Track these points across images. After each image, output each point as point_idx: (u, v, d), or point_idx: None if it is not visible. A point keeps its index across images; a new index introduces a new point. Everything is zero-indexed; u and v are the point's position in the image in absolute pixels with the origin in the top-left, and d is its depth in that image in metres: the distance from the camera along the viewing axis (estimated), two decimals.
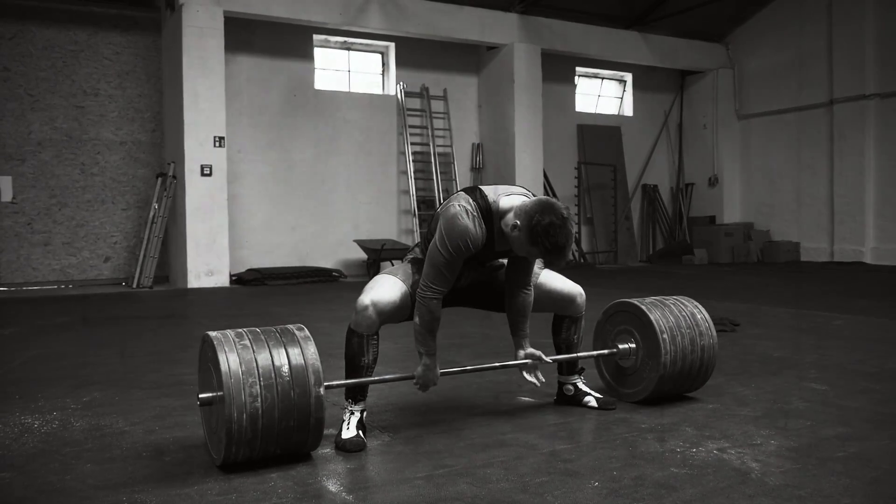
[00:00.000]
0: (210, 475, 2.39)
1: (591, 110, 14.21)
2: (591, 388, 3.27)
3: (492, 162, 12.45)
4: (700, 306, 3.34)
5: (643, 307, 3.20)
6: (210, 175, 9.46)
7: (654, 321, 3.14)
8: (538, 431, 2.85)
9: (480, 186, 2.80)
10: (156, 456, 2.60)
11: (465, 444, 2.69)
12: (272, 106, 10.94)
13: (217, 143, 9.52)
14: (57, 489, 2.30)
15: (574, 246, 12.89)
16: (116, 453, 2.64)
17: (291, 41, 11.00)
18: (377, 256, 10.43)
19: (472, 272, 2.96)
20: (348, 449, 2.63)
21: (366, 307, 2.76)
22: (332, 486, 2.32)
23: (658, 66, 13.86)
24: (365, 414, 2.82)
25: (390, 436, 2.82)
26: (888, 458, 2.50)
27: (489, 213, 2.70)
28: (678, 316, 3.21)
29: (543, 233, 2.50)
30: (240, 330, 2.53)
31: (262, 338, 2.48)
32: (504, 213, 2.68)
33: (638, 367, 3.22)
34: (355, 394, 2.81)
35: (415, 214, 11.70)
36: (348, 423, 2.74)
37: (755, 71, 13.95)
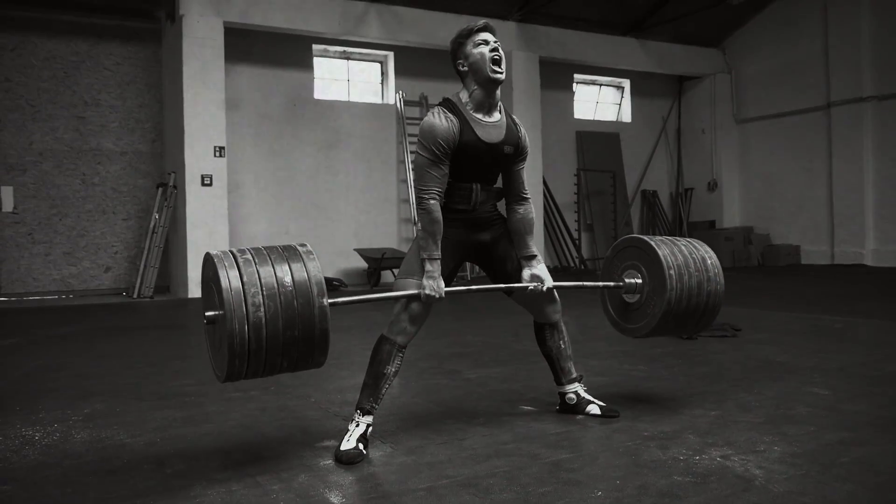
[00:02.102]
0: (211, 487, 2.39)
1: (590, 117, 14.24)
2: (592, 396, 3.27)
3: None
4: (710, 251, 3.30)
5: (652, 243, 3.18)
6: (210, 185, 9.48)
7: (661, 257, 3.11)
8: (540, 441, 2.85)
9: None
10: (157, 468, 2.60)
11: (467, 455, 2.68)
12: (272, 115, 10.96)
13: (217, 153, 9.53)
14: (58, 502, 2.30)
15: (574, 252, 12.95)
16: (118, 465, 2.63)
17: (291, 51, 11.03)
18: (378, 265, 10.43)
19: (483, 162, 2.89)
20: (344, 461, 2.61)
21: (403, 321, 2.84)
22: (335, 497, 2.31)
23: (655, 71, 13.89)
24: (370, 429, 2.80)
25: (392, 446, 2.82)
26: (892, 463, 2.50)
27: (455, 106, 2.85)
28: (687, 256, 3.18)
29: (460, 30, 2.88)
30: (242, 248, 2.52)
31: (265, 253, 2.46)
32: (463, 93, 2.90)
33: (643, 303, 3.20)
34: (365, 405, 2.80)
35: (415, 223, 11.71)
36: (350, 435, 2.73)
37: (752, 75, 13.99)
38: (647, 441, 2.81)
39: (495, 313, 7.31)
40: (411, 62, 11.93)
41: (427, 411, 3.31)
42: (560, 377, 3.24)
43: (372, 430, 2.82)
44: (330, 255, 11.29)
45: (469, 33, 2.86)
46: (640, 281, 3.21)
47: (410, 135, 11.88)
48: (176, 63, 9.56)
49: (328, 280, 10.40)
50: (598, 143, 13.92)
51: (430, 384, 3.97)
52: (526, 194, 3.09)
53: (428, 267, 2.80)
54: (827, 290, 8.93)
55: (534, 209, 3.12)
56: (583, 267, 12.98)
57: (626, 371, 4.20)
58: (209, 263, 2.46)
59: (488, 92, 2.85)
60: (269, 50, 10.85)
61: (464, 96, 2.87)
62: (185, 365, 4.65)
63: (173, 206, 9.64)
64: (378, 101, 12.08)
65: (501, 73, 2.83)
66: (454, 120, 2.79)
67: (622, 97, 14.69)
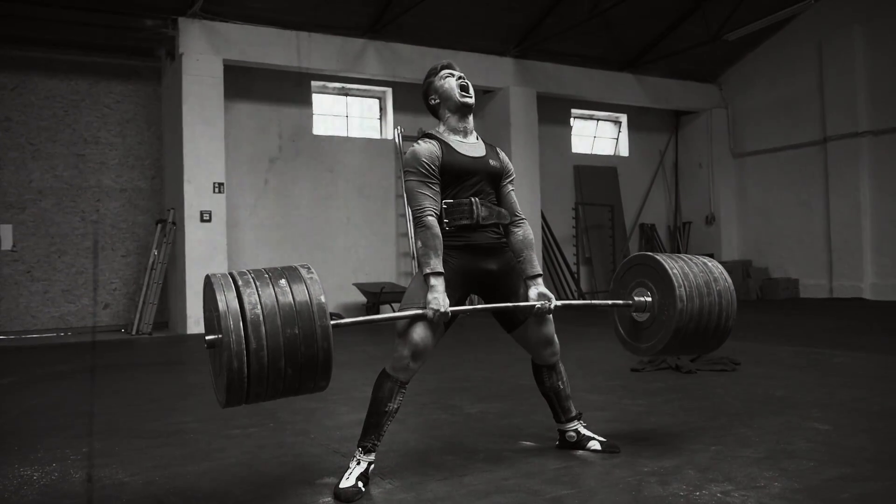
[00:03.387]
0: None
1: (588, 151, 14.36)
2: (593, 432, 3.26)
3: None
4: (720, 266, 3.28)
5: (661, 260, 3.16)
6: (210, 221, 9.52)
7: (671, 274, 3.08)
8: (540, 477, 2.83)
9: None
10: None
11: (466, 491, 2.67)
12: (271, 151, 11.05)
13: (216, 189, 9.59)
14: None
15: (573, 285, 12.96)
16: None
17: (290, 88, 11.16)
18: (376, 299, 10.43)
19: (473, 178, 3.00)
20: (342, 499, 2.61)
21: (404, 357, 2.82)
22: None
23: (652, 106, 14.04)
24: (372, 467, 2.81)
25: (391, 482, 2.80)
26: (893, 500, 2.49)
27: (434, 136, 3.03)
28: (697, 273, 3.14)
29: (431, 70, 3.10)
30: (242, 270, 2.51)
31: (266, 275, 2.44)
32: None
33: (654, 321, 3.16)
34: (367, 442, 2.80)
35: (413, 257, 11.73)
36: (350, 473, 2.73)
37: (749, 110, 14.14)
38: (648, 476, 2.80)
39: (496, 347, 7.30)
40: (409, 98, 12.06)
41: (427, 447, 3.30)
42: (559, 416, 3.25)
43: (373, 468, 2.81)
44: (329, 290, 11.26)
45: (434, 72, 3.10)
46: (649, 299, 3.18)
47: None
48: (176, 100, 9.67)
49: None
50: (595, 177, 14.01)
51: (430, 419, 3.95)
52: (521, 215, 3.19)
53: (432, 282, 2.79)
54: (826, 324, 8.92)
55: (531, 230, 3.21)
56: (582, 301, 12.96)
57: (626, 406, 4.19)
58: (208, 286, 2.44)
59: (461, 117, 3.04)
60: (268, 86, 10.97)
61: (440, 128, 3.07)
62: (185, 402, 4.63)
63: (172, 241, 9.67)
64: (376, 136, 12.19)
65: (470, 97, 3.04)
66: (435, 143, 2.97)
67: (619, 131, 14.83)
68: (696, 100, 14.32)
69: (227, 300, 2.31)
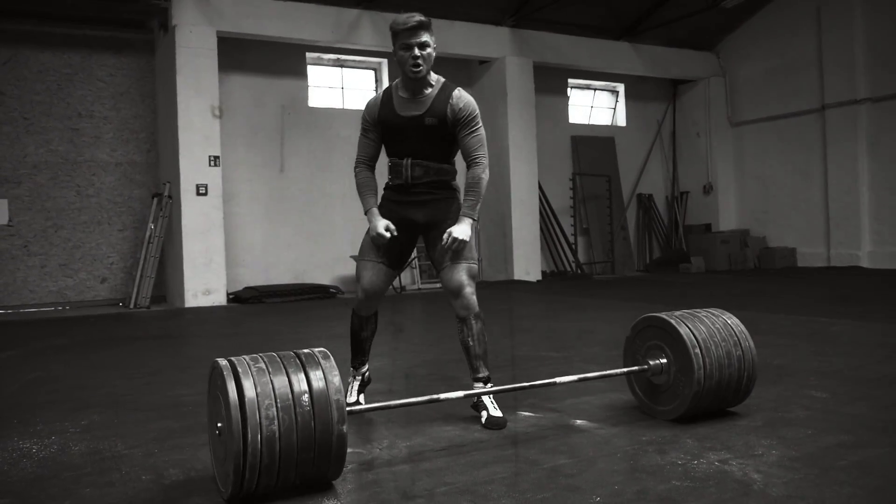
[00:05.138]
0: (211, 498, 2.38)
1: (585, 121, 14.27)
2: (492, 402, 3.20)
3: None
4: (734, 317, 3.23)
5: (672, 321, 3.09)
6: (205, 194, 9.47)
7: (684, 336, 3.02)
8: (539, 446, 2.84)
9: None
10: (155, 479, 2.59)
11: (465, 461, 2.68)
12: (266, 124, 10.96)
13: (212, 163, 9.53)
14: None
15: (571, 256, 12.97)
16: (115, 477, 2.62)
17: (284, 59, 11.04)
18: None
19: (410, 137, 3.22)
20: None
21: (359, 296, 3.39)
22: None
23: (649, 75, 13.93)
24: (367, 375, 3.56)
25: (390, 453, 2.81)
26: (891, 467, 2.50)
27: (390, 88, 3.29)
28: (710, 328, 3.10)
29: (394, 22, 3.14)
30: (255, 355, 2.44)
31: (280, 362, 2.39)
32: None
33: (672, 384, 3.10)
34: (356, 362, 3.53)
35: None
36: (351, 389, 3.48)
37: (746, 78, 14.03)
38: (646, 446, 2.81)
39: (494, 318, 7.31)
40: None
41: (426, 418, 3.30)
42: (469, 371, 3.33)
43: (370, 436, 2.83)
44: (326, 262, 11.28)
45: (395, 35, 3.15)
46: (664, 361, 3.12)
47: None
48: (169, 73, 9.56)
49: (324, 287, 10.39)
50: (593, 147, 13.94)
51: (429, 391, 3.96)
52: (475, 158, 3.28)
53: (369, 218, 3.26)
54: (823, 292, 8.94)
55: (487, 173, 3.32)
56: (579, 271, 12.98)
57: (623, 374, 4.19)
58: (217, 372, 2.39)
59: (410, 81, 3.19)
60: (263, 58, 10.86)
61: (398, 81, 3.28)
62: (183, 375, 4.63)
63: (168, 215, 9.63)
64: None
65: (420, 71, 3.13)
66: (380, 97, 3.27)
67: (617, 101, 14.73)
68: (693, 68, 14.20)
69: (237, 389, 2.27)
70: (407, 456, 2.78)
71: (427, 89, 3.21)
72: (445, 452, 2.81)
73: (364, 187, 3.30)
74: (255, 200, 10.82)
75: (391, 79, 11.94)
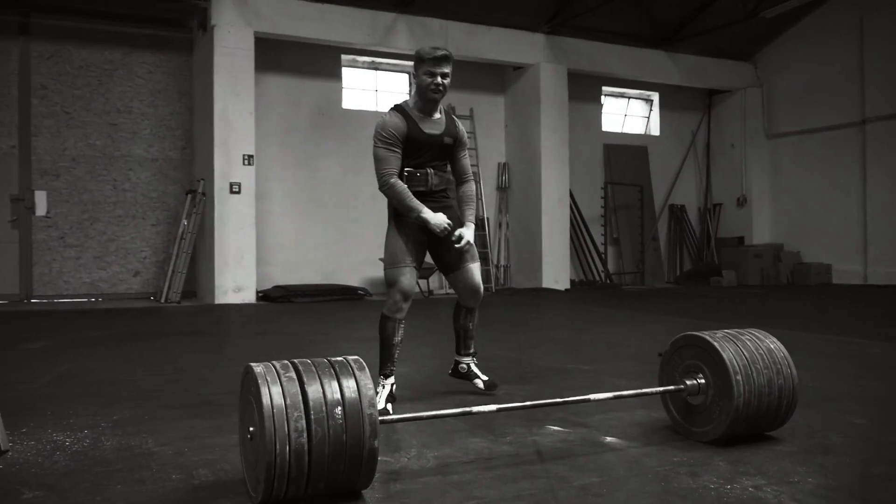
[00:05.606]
0: (241, 501, 2.38)
1: (618, 129, 14.16)
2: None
3: (518, 181, 12.43)
4: (777, 341, 3.15)
5: (715, 343, 3.02)
6: (239, 192, 9.56)
7: (726, 360, 2.95)
8: (568, 463, 2.81)
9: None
10: (185, 479, 2.60)
11: (494, 475, 2.66)
12: (300, 124, 11.04)
13: (246, 161, 9.62)
14: None
15: (600, 266, 12.87)
16: (146, 475, 2.64)
17: (320, 61, 11.12)
18: None
19: (430, 152, 3.63)
20: None
21: (398, 300, 3.58)
22: None
23: (685, 85, 13.79)
24: (394, 387, 3.65)
25: (419, 463, 2.80)
26: None
27: (403, 109, 3.60)
28: (753, 353, 3.02)
29: (422, 50, 3.57)
30: (287, 361, 2.43)
31: (314, 370, 2.38)
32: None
33: (708, 406, 3.03)
34: (386, 370, 3.64)
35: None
36: (380, 397, 3.49)
37: (784, 89, 13.83)
38: (678, 467, 2.76)
39: (521, 327, 7.28)
40: None
41: (454, 428, 3.29)
42: (460, 349, 3.99)
43: (398, 448, 2.82)
44: (355, 264, 11.32)
45: (422, 61, 3.56)
46: (703, 381, 3.05)
47: None
48: (207, 72, 9.68)
49: (353, 289, 10.43)
50: (625, 156, 13.84)
51: (457, 400, 3.94)
52: (467, 176, 3.84)
53: (425, 214, 3.52)
54: (860, 311, 8.76)
55: (475, 187, 3.90)
56: (608, 281, 12.88)
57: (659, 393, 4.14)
58: (251, 378, 2.37)
59: (427, 103, 3.60)
60: (299, 60, 10.94)
61: (411, 101, 3.63)
62: (212, 373, 4.67)
63: (202, 212, 9.74)
64: None
65: (438, 96, 3.58)
66: (402, 118, 3.55)
67: (651, 110, 14.60)
68: (730, 78, 14.03)
69: (271, 394, 2.26)
70: (435, 467, 2.76)
71: (437, 112, 3.68)
72: (474, 465, 2.78)
73: (407, 194, 3.52)
74: (286, 199, 10.90)
75: None
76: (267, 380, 2.31)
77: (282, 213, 10.86)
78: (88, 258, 9.84)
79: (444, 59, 3.55)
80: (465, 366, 4.00)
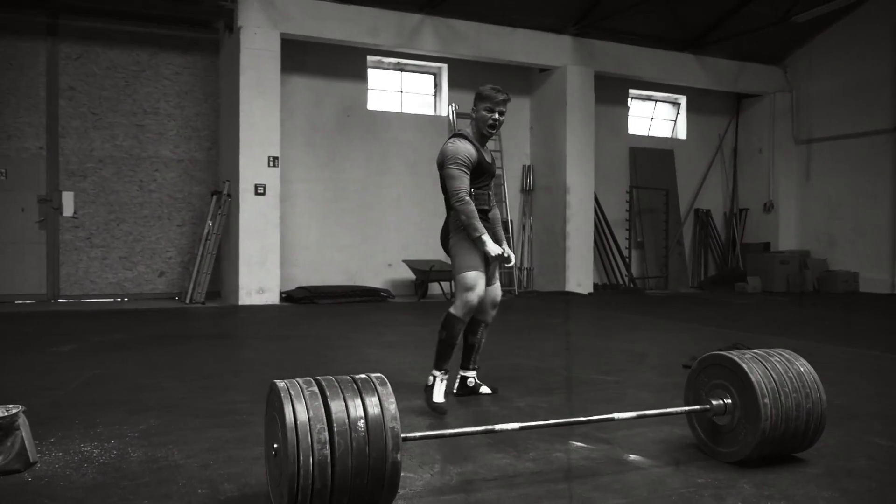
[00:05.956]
0: None
1: (644, 132, 14.06)
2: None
3: (542, 184, 12.39)
4: (807, 363, 3.12)
5: (744, 365, 2.99)
6: (264, 194, 9.62)
7: (754, 383, 2.93)
8: (592, 483, 2.80)
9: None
10: (211, 494, 2.63)
11: (517, 494, 2.65)
12: (325, 125, 11.09)
13: (271, 163, 9.68)
14: None
15: (624, 270, 12.79)
16: (173, 489, 2.67)
17: (345, 62, 11.15)
18: (426, 277, 10.46)
19: (488, 177, 4.07)
20: (439, 411, 3.80)
21: (473, 302, 3.90)
22: None
23: (713, 88, 13.65)
24: (447, 380, 3.99)
25: (442, 478, 2.80)
26: None
27: (468, 138, 4.00)
28: (782, 374, 3.00)
29: (484, 90, 4.01)
30: (311, 378, 2.46)
31: (337, 386, 2.40)
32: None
33: (734, 427, 3.01)
34: (444, 366, 3.94)
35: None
36: (437, 391, 3.89)
37: (814, 95, 13.64)
38: (702, 489, 2.74)
39: (545, 334, 7.25)
40: (464, 75, 11.96)
41: (477, 442, 3.29)
42: (467, 364, 4.22)
43: (421, 466, 2.82)
44: (378, 266, 11.36)
45: (482, 98, 3.99)
46: (729, 401, 3.03)
47: None
48: (233, 73, 9.74)
49: (376, 290, 10.46)
50: (651, 159, 13.73)
51: (480, 412, 3.95)
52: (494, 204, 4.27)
53: (484, 237, 3.86)
54: (887, 323, 8.62)
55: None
56: (632, 285, 12.80)
57: (679, 406, 4.10)
58: (275, 394, 2.41)
59: (483, 137, 4.04)
60: (324, 61, 10.99)
61: (469, 132, 4.02)
62: (236, 380, 4.70)
63: (226, 213, 9.81)
64: (430, 112, 12.12)
65: (494, 131, 4.03)
66: (472, 146, 3.96)
67: (678, 113, 14.47)
68: (759, 83, 13.86)
69: (295, 412, 2.29)
70: (458, 484, 2.77)
71: (487, 144, 4.13)
72: (497, 483, 2.79)
73: (476, 214, 3.88)
74: (311, 200, 10.95)
75: (450, 84, 11.96)
76: (290, 394, 2.34)
77: (306, 213, 10.91)
78: (114, 258, 9.97)
79: (504, 102, 4.00)
80: (472, 380, 4.23)
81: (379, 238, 11.42)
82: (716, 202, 14.56)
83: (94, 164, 9.86)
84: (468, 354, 4.19)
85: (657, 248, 13.44)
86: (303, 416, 2.29)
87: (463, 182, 3.87)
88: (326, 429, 2.29)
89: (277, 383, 2.43)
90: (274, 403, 2.44)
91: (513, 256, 4.07)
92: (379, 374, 2.52)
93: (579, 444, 3.33)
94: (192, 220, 10.39)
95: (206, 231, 9.81)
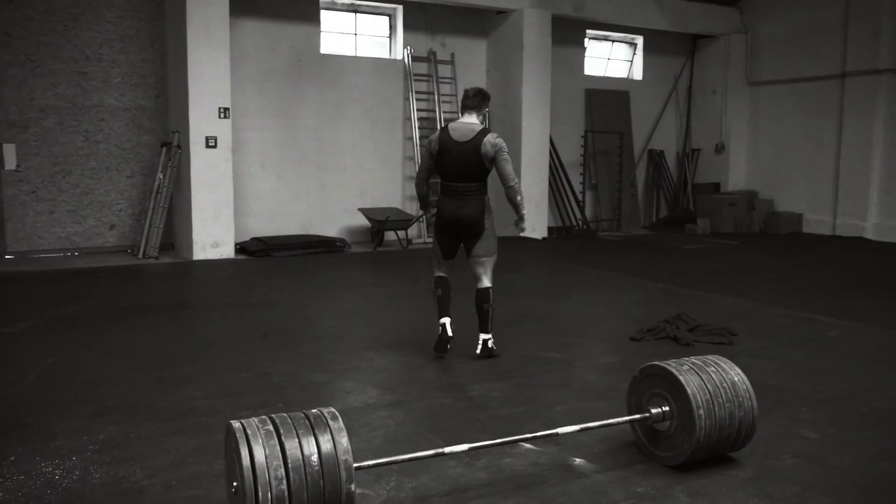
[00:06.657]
0: None
1: (601, 73, 14.01)
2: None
3: (498, 128, 12.31)
4: (741, 373, 3.33)
5: (681, 378, 3.19)
6: (215, 147, 9.43)
7: (690, 395, 3.13)
8: (538, 496, 2.98)
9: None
10: None
11: None
12: (277, 71, 10.80)
13: (222, 115, 9.45)
14: None
15: (578, 213, 12.97)
16: None
17: (297, 4, 10.79)
18: (381, 227, 10.50)
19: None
20: (493, 354, 4.97)
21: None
22: None
23: (670, 30, 13.59)
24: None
25: (399, 496, 2.94)
26: None
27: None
28: (717, 385, 3.20)
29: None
30: (265, 416, 2.59)
31: (290, 423, 2.54)
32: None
33: (672, 434, 3.23)
34: (491, 329, 4.96)
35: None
36: (485, 348, 4.93)
37: (768, 37, 13.70)
38: (640, 500, 2.95)
39: (498, 296, 7.38)
40: (420, 17, 11.69)
41: (430, 445, 3.40)
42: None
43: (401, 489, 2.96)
44: (334, 214, 11.32)
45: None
46: (667, 409, 3.23)
47: (418, 91, 11.71)
48: (179, 19, 9.36)
49: (332, 241, 10.46)
50: (607, 101, 13.75)
51: (433, 405, 4.09)
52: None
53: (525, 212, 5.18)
54: (827, 274, 8.98)
55: None
56: (586, 227, 13.02)
57: (623, 389, 4.30)
58: (231, 436, 2.53)
59: None
60: (275, 2, 10.61)
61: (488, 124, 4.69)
62: (193, 368, 4.74)
63: (177, 166, 9.61)
64: (386, 55, 11.88)
65: None
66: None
67: (634, 54, 14.43)
68: (715, 23, 13.85)
69: (251, 451, 2.43)
70: (412, 501, 2.92)
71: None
72: (449, 498, 2.94)
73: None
74: (264, 149, 10.77)
75: (405, 26, 11.69)
76: (247, 434, 2.48)
77: (259, 162, 10.74)
78: (62, 212, 9.73)
79: (468, 92, 5.02)
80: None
81: (335, 186, 11.33)
82: (669, 143, 14.73)
83: (35, 115, 9.49)
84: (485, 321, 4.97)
85: (611, 190, 13.63)
86: (260, 456, 2.42)
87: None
88: (283, 465, 2.43)
89: (233, 424, 2.54)
90: (231, 444, 2.55)
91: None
92: (331, 409, 2.66)
93: (528, 446, 3.50)
94: (142, 171, 10.15)
95: (156, 184, 9.62)
